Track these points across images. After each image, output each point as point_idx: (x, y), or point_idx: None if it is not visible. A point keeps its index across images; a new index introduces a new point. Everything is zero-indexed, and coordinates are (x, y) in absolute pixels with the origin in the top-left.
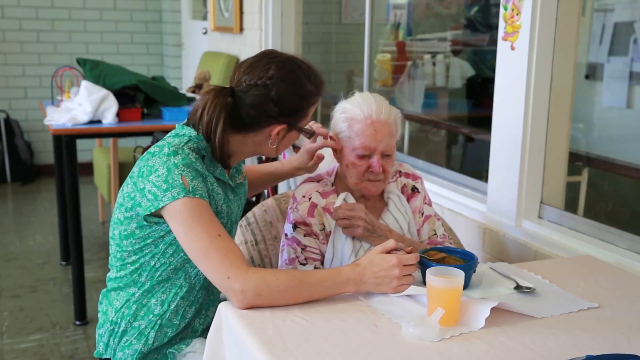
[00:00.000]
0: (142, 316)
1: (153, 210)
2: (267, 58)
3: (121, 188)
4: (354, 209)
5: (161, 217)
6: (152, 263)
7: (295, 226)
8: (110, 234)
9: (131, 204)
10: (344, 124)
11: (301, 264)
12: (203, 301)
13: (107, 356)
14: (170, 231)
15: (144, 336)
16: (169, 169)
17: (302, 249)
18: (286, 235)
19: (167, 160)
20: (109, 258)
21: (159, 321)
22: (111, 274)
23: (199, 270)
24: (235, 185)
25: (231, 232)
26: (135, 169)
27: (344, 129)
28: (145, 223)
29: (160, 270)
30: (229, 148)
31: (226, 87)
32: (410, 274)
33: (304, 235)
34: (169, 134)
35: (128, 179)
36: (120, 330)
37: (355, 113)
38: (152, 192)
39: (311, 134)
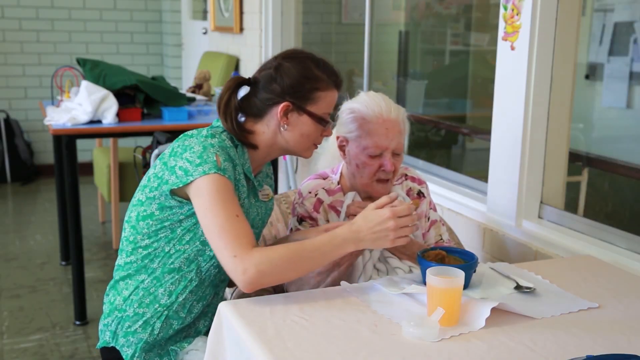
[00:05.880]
0: (147, 304)
1: (181, 185)
2: (284, 50)
3: (147, 173)
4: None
5: (185, 198)
6: (167, 249)
7: (301, 220)
8: (126, 217)
9: (157, 183)
10: (354, 124)
11: None
12: (211, 301)
13: (115, 344)
14: (189, 216)
15: (150, 326)
16: (204, 147)
17: None
18: (291, 229)
19: (205, 140)
20: (120, 243)
21: (166, 312)
22: (120, 261)
23: (210, 266)
24: (258, 195)
25: None
26: (167, 151)
27: (353, 129)
28: (166, 204)
29: (173, 257)
30: (252, 138)
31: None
32: (407, 226)
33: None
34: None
35: (157, 161)
36: (126, 316)
37: (365, 113)
38: (184, 167)
39: (325, 123)
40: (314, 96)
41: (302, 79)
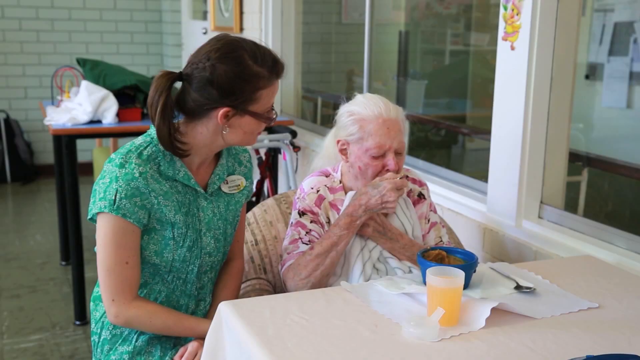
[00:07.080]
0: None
1: (89, 217)
2: (215, 40)
3: None
4: None
5: None
6: None
7: (302, 213)
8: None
9: None
10: (354, 126)
11: (304, 243)
12: (193, 311)
13: None
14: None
15: (128, 340)
16: (110, 180)
17: (307, 232)
18: (291, 223)
19: (113, 170)
20: None
21: None
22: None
23: (173, 277)
24: (214, 193)
25: (199, 242)
26: None
27: (354, 131)
28: None
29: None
30: (187, 137)
31: (176, 72)
32: None
33: (311, 222)
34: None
35: None
36: (103, 339)
37: (365, 114)
38: (92, 197)
39: (269, 121)
40: (256, 96)
41: (242, 83)
